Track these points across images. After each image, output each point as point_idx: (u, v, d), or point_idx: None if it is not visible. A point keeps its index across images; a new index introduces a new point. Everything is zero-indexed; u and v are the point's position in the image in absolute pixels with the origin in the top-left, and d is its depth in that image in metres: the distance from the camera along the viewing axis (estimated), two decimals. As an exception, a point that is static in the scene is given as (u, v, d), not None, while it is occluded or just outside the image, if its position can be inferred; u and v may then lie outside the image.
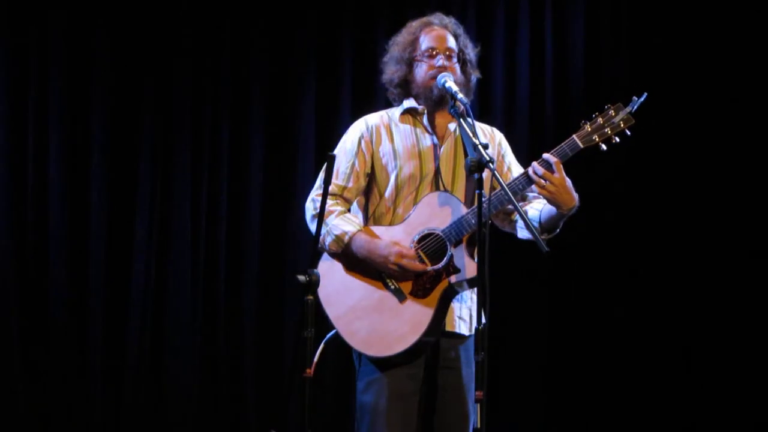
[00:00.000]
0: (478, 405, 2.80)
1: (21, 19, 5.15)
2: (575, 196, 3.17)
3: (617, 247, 5.48)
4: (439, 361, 3.30)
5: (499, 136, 3.52)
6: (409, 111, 3.45)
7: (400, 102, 3.48)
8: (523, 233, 3.37)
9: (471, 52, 3.46)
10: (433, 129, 3.42)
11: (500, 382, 5.14)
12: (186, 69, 5.40)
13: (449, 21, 3.47)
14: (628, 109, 3.19)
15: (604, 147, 3.19)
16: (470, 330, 3.36)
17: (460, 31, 3.47)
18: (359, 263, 3.30)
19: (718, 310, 5.35)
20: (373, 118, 3.48)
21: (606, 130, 3.18)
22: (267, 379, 5.35)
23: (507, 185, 3.12)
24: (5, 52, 5.13)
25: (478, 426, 2.81)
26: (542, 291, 5.50)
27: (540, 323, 5.50)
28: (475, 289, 3.32)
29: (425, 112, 3.42)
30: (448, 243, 3.22)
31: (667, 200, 5.43)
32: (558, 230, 3.29)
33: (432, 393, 3.30)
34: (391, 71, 3.46)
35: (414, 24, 3.48)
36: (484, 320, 2.85)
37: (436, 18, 3.47)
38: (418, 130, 3.42)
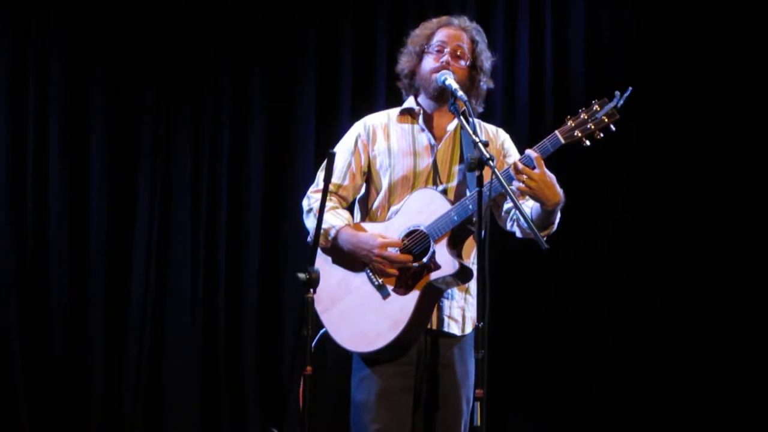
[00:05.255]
0: (479, 403, 2.79)
1: (21, 18, 5.15)
2: (559, 191, 3.14)
3: (617, 245, 5.48)
4: (433, 359, 3.30)
5: (503, 137, 3.52)
6: (407, 111, 3.46)
7: (407, 94, 3.49)
8: (519, 233, 3.37)
9: (486, 61, 3.43)
10: (430, 129, 3.42)
11: (499, 381, 5.15)
12: (186, 68, 5.40)
13: (470, 25, 3.46)
14: (612, 104, 3.13)
15: (587, 143, 3.15)
16: (462, 331, 3.34)
17: (480, 38, 3.44)
18: (345, 259, 3.31)
19: (720, 308, 5.35)
20: (372, 119, 3.50)
21: (589, 125, 3.13)
22: (267, 378, 5.35)
23: (491, 181, 3.12)
24: (6, 50, 5.14)
25: (479, 424, 2.80)
26: (541, 289, 5.51)
27: (539, 322, 5.51)
28: (470, 287, 3.33)
29: (422, 112, 3.43)
30: (431, 239, 3.22)
31: (667, 199, 5.44)
32: (554, 228, 3.27)
33: (426, 390, 3.29)
34: (404, 61, 3.47)
35: (434, 20, 3.48)
36: (483, 319, 2.84)
37: (458, 19, 3.47)
38: (415, 129, 3.43)
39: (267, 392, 5.35)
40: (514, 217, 3.37)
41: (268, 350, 5.39)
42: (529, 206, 3.29)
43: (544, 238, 3.14)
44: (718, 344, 5.35)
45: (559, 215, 3.25)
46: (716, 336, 5.36)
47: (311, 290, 2.94)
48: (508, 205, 3.38)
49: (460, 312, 3.36)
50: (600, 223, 5.48)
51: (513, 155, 3.49)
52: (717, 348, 5.35)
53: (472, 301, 3.34)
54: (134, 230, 5.28)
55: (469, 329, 3.34)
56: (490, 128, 3.50)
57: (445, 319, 3.33)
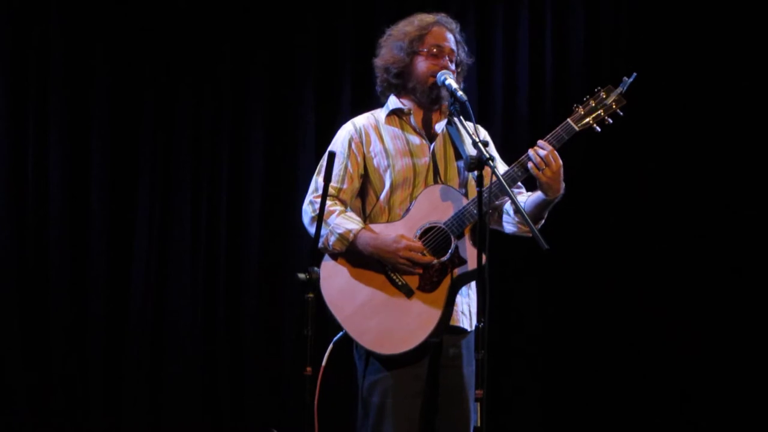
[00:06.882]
0: (478, 404, 2.79)
1: (23, 24, 5.16)
2: (563, 184, 3.20)
3: (616, 244, 5.48)
4: (441, 361, 3.29)
5: (483, 133, 3.52)
6: (394, 112, 3.44)
7: (386, 91, 3.46)
8: (509, 228, 3.38)
9: (465, 63, 3.47)
10: (422, 129, 3.42)
11: (501, 381, 5.15)
12: (186, 70, 5.41)
13: (455, 26, 3.48)
14: (619, 90, 3.23)
15: (598, 129, 3.24)
16: (470, 326, 3.36)
17: (461, 39, 3.48)
18: (363, 261, 3.28)
19: (719, 308, 5.35)
20: (360, 120, 3.48)
21: (599, 111, 3.23)
22: (267, 378, 5.35)
23: (504, 175, 3.13)
24: (6, 56, 5.14)
25: (479, 425, 2.80)
26: (542, 289, 5.51)
27: (539, 321, 5.51)
28: (473, 284, 3.33)
29: (411, 112, 3.43)
30: (451, 235, 3.22)
31: (667, 197, 5.43)
32: (543, 221, 3.29)
33: (434, 392, 3.29)
34: (389, 57, 3.44)
35: (425, 18, 3.45)
36: (483, 319, 2.84)
37: (445, 19, 3.47)
38: (406, 130, 3.42)
39: (267, 392, 5.35)
40: (503, 214, 3.38)
41: (268, 350, 5.39)
42: (522, 200, 3.31)
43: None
44: (719, 343, 5.35)
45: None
46: (716, 335, 5.35)
47: (311, 290, 2.92)
48: (497, 202, 3.38)
49: (468, 308, 3.37)
50: (598, 222, 5.47)
51: (492, 150, 3.49)
52: (717, 346, 5.35)
53: (474, 296, 3.36)
54: (135, 232, 5.28)
55: (475, 324, 3.34)
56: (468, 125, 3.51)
57: (459, 314, 3.33)
